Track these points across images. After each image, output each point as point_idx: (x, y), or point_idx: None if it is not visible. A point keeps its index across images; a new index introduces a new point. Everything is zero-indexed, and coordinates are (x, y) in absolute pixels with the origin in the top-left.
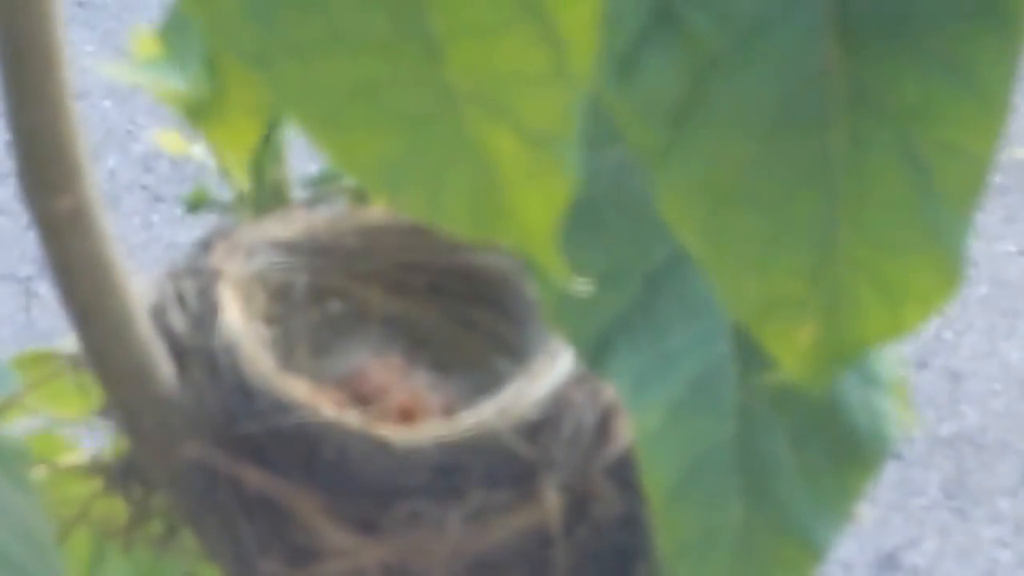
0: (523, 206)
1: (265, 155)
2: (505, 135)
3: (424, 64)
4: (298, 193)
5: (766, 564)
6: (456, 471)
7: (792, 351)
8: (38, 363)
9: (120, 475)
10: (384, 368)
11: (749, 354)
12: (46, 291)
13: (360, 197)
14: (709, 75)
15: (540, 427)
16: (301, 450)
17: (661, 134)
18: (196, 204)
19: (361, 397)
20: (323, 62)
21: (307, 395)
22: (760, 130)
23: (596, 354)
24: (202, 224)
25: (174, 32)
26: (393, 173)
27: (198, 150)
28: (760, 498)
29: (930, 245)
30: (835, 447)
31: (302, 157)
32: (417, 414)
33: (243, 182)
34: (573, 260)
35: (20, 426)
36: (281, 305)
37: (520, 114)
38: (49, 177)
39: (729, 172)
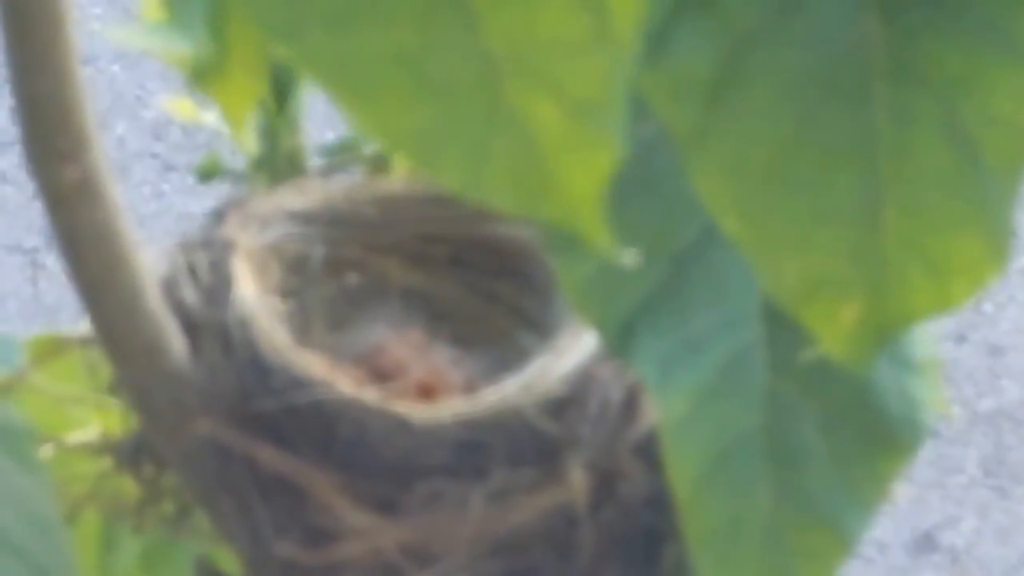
0: (567, 178)
1: (280, 122)
2: (547, 104)
3: (461, 32)
4: (314, 161)
5: (794, 553)
6: (478, 449)
7: (836, 330)
8: (47, 345)
9: (130, 454)
10: (404, 343)
11: (779, 338)
12: (53, 263)
13: (378, 166)
14: (744, 51)
15: (565, 404)
16: (318, 428)
17: (695, 113)
18: (208, 173)
19: (380, 373)
20: (355, 33)
21: (324, 371)
22: (798, 107)
23: (620, 339)
24: (215, 194)
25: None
26: (431, 145)
27: (210, 117)
28: (789, 486)
29: (977, 219)
30: (866, 433)
31: (318, 124)
32: (438, 391)
33: (257, 150)
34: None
35: (27, 403)
36: (297, 278)
37: (562, 82)
38: (55, 146)
39: (767, 151)
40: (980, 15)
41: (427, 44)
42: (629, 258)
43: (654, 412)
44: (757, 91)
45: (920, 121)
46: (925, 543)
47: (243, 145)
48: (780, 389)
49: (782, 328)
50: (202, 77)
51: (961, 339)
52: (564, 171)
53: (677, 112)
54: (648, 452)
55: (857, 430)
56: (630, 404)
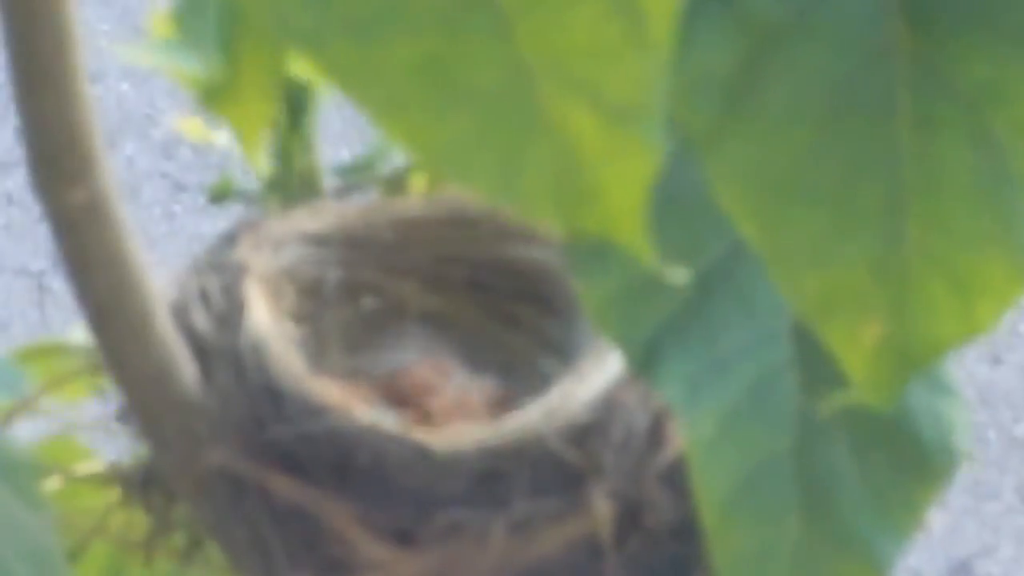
0: (607, 188)
1: (294, 141)
2: (583, 111)
3: (492, 39)
4: (329, 182)
5: None
6: (499, 478)
7: (857, 351)
8: (48, 356)
9: (140, 484)
10: (422, 369)
11: (810, 359)
12: (60, 286)
13: (395, 186)
14: (765, 51)
15: (589, 431)
16: (334, 457)
17: (713, 115)
18: (221, 194)
19: (398, 400)
20: (381, 40)
21: (340, 398)
22: (820, 111)
23: (644, 359)
24: (227, 214)
25: (190, 13)
26: (465, 156)
27: (221, 136)
28: (820, 512)
29: (1003, 234)
30: (899, 458)
31: (333, 143)
32: (458, 418)
33: (270, 170)
34: (621, 259)
35: (33, 431)
36: (311, 302)
37: (598, 88)
38: (62, 167)
39: (786, 157)
40: (1009, 21)
41: (457, 51)
42: (676, 275)
43: (680, 438)
44: (777, 93)
45: (946, 130)
46: (961, 572)
47: (256, 165)
48: (810, 412)
49: (813, 349)
50: (213, 97)
51: (997, 361)
52: (603, 180)
53: (694, 112)
54: (674, 480)
55: (890, 455)
56: (655, 431)
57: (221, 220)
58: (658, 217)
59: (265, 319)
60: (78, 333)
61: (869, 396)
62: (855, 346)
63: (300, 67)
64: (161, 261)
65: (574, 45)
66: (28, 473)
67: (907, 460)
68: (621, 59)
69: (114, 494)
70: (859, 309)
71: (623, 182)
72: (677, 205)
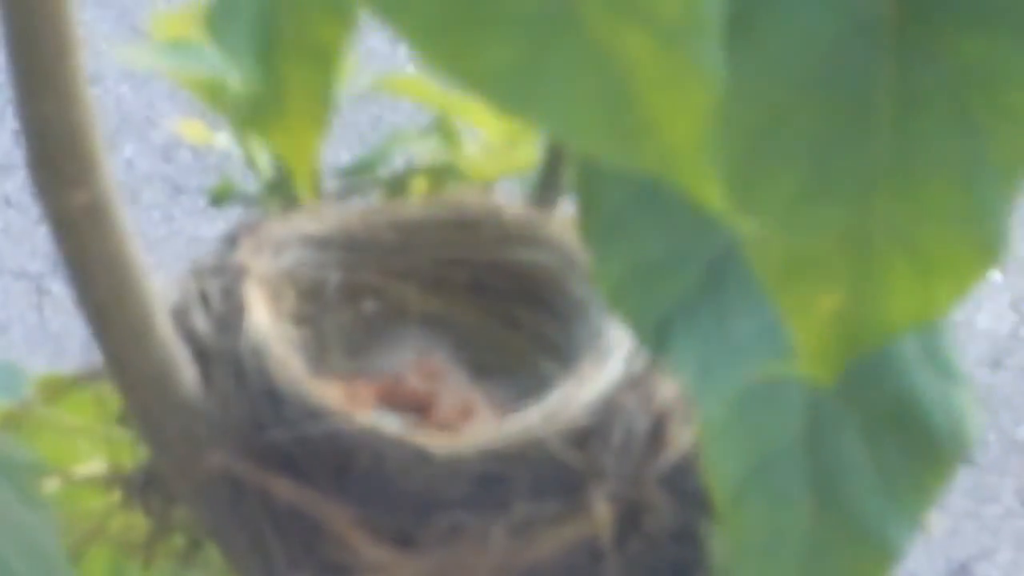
0: (663, 118)
1: None
2: (634, 33)
3: None
4: (330, 184)
5: (837, 567)
6: (500, 481)
7: (811, 321)
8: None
9: (140, 487)
10: (423, 371)
11: None
12: (59, 289)
13: (396, 189)
14: (758, 8)
15: (589, 434)
16: (334, 459)
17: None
18: (221, 196)
19: (398, 402)
20: None
21: (340, 401)
22: (803, 73)
23: (656, 338)
24: (227, 217)
25: (223, 16)
26: (512, 85)
27: (221, 138)
28: (831, 498)
29: (972, 214)
30: (910, 444)
31: (334, 146)
32: (458, 420)
33: (271, 172)
34: (632, 241)
35: (34, 434)
36: (312, 305)
37: (649, 8)
38: (62, 170)
39: (764, 115)
40: (1001, 3)
41: None
42: (750, 226)
43: (681, 441)
44: (764, 51)
45: (927, 107)
46: (960, 575)
47: (256, 167)
48: (821, 399)
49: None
50: (258, 118)
51: (997, 365)
52: (660, 111)
53: None
54: (675, 483)
55: (901, 441)
56: (656, 434)
57: (221, 223)
58: (668, 205)
59: (265, 321)
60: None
61: (813, 367)
62: (810, 315)
63: None
64: (161, 263)
65: None
66: (29, 474)
67: (917, 446)
68: None
69: (114, 496)
70: (820, 278)
71: (680, 112)
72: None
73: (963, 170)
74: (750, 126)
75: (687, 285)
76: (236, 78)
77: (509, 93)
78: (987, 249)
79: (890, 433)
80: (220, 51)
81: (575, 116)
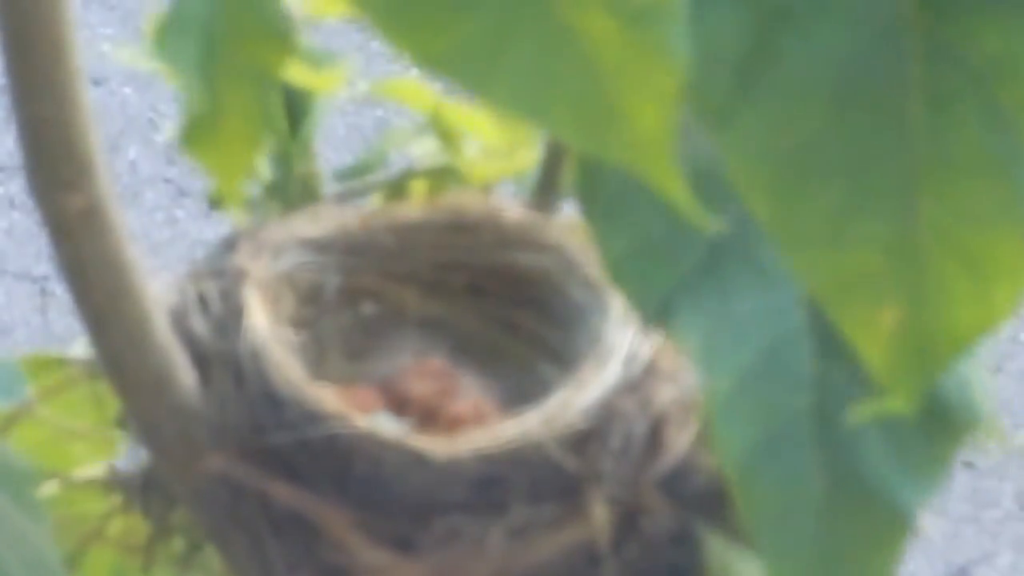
0: (630, 103)
1: (294, 147)
2: (600, 14)
3: None
4: (329, 188)
5: (852, 537)
6: (498, 485)
7: (874, 338)
8: (49, 368)
9: (139, 490)
10: (422, 374)
11: (823, 325)
12: (62, 291)
13: (395, 192)
14: (776, 28)
15: (587, 438)
16: (332, 463)
17: (726, 93)
18: (221, 200)
19: (397, 406)
20: None
21: (339, 404)
22: (832, 88)
23: (659, 315)
24: (230, 220)
25: (173, 33)
26: (476, 66)
27: None
28: (842, 468)
29: (1016, 210)
30: (921, 415)
31: (334, 149)
32: (457, 424)
33: (270, 175)
34: (635, 218)
35: (32, 437)
36: (311, 308)
37: None
38: (59, 173)
39: (799, 134)
40: None
41: None
42: (711, 223)
43: (679, 445)
44: (789, 70)
45: (957, 106)
46: None
47: (256, 171)
48: (828, 374)
49: (825, 319)
50: (193, 135)
51: (996, 369)
52: (626, 96)
53: (707, 89)
54: (672, 487)
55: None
56: (654, 438)
57: (223, 225)
58: None
59: (264, 325)
60: (79, 347)
61: (891, 390)
62: (872, 334)
63: (301, 73)
64: (164, 265)
65: None
66: (27, 481)
67: (929, 415)
68: None
69: (113, 500)
70: (874, 293)
71: (646, 99)
72: (691, 168)
73: (1001, 166)
74: (785, 149)
75: (690, 264)
76: (180, 93)
77: (473, 73)
78: None
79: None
80: (166, 69)
81: (540, 98)
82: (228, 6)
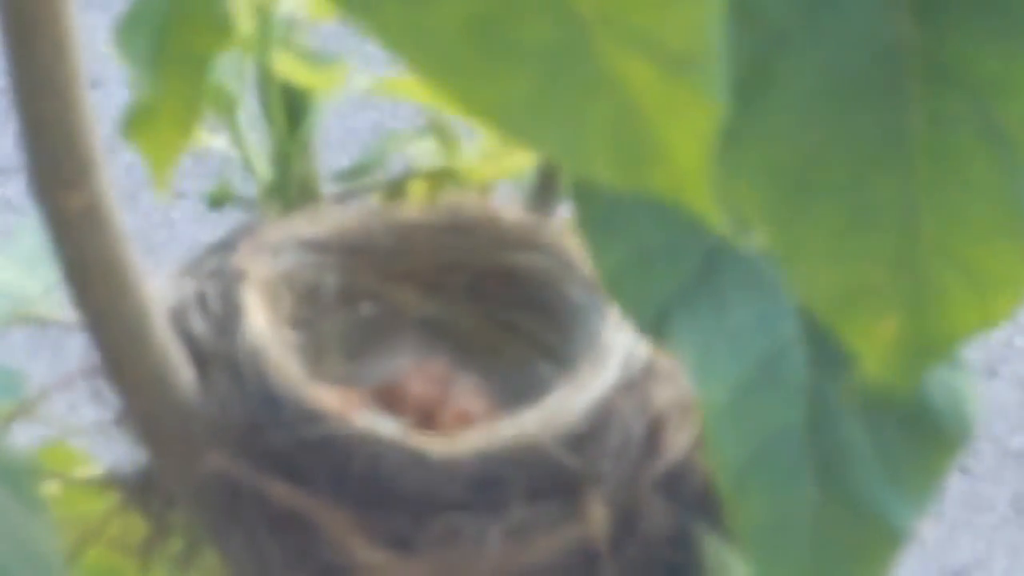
0: (670, 146)
1: (293, 147)
2: (641, 63)
3: None
4: (328, 188)
5: (844, 550)
6: (496, 484)
7: (875, 346)
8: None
9: (138, 489)
10: (420, 375)
11: (817, 336)
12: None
13: (394, 192)
14: (774, 52)
15: (586, 438)
16: (331, 462)
17: (726, 117)
18: (220, 200)
19: (395, 406)
20: (432, 1)
21: (337, 404)
22: (831, 109)
23: (655, 326)
24: (225, 222)
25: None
26: (524, 116)
27: (220, 141)
28: (834, 482)
29: (1015, 226)
30: (913, 428)
31: (335, 150)
32: (455, 424)
33: (269, 176)
34: (630, 229)
35: (31, 435)
36: (310, 308)
37: (655, 37)
38: (60, 172)
39: (799, 155)
40: (1017, 14)
41: (510, 8)
42: (745, 238)
43: (677, 446)
44: (789, 93)
45: (956, 124)
46: None
47: (255, 171)
48: (821, 386)
49: (819, 327)
50: (132, 121)
51: (992, 374)
52: (666, 137)
53: None
54: (671, 487)
55: (903, 425)
56: (652, 438)
57: (219, 228)
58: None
59: (263, 325)
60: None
61: (888, 393)
62: (873, 342)
63: (300, 73)
64: (160, 268)
65: None
66: (28, 477)
67: (920, 430)
68: (678, 8)
69: (112, 499)
70: (876, 305)
71: (686, 138)
72: None
73: (1000, 182)
74: (786, 167)
75: (685, 274)
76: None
77: (522, 124)
78: None
79: (892, 418)
80: (122, 60)
81: (586, 145)
82: None
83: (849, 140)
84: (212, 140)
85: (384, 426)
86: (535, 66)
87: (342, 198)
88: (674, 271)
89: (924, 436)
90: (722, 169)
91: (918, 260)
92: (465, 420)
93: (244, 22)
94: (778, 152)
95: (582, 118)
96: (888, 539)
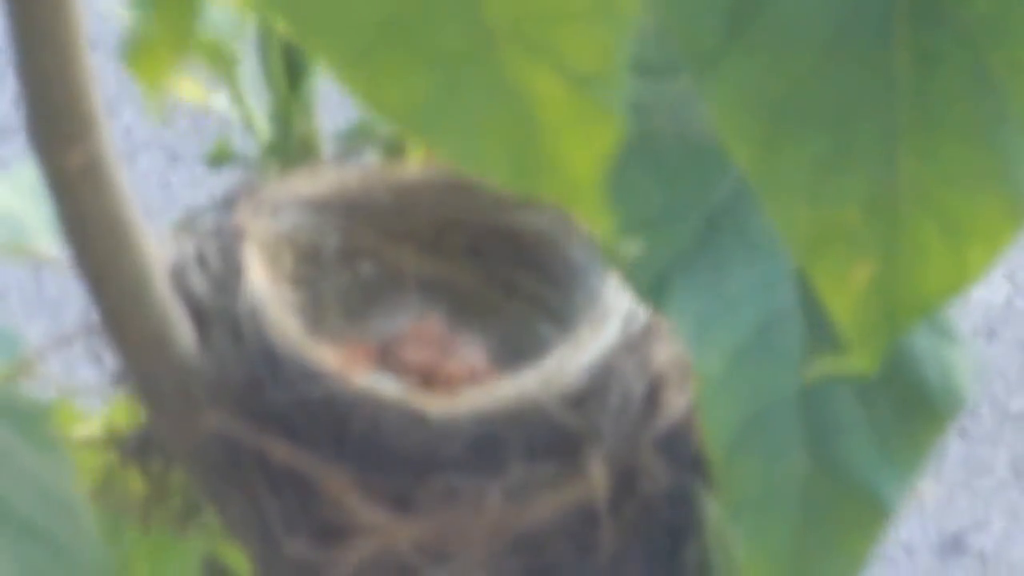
0: (566, 156)
1: (293, 106)
2: (546, 76)
3: (460, 1)
4: (328, 147)
5: (832, 522)
6: (496, 443)
7: (845, 293)
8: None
9: (137, 448)
10: (420, 334)
11: (813, 304)
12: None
13: (394, 152)
14: None
15: (585, 397)
16: (330, 421)
17: (715, 38)
18: (219, 158)
19: (395, 365)
20: None
21: (337, 363)
22: (820, 40)
23: (654, 292)
24: (223, 186)
25: None
26: (426, 116)
27: (219, 100)
28: (826, 454)
29: (996, 173)
30: (904, 401)
31: (333, 109)
32: (455, 383)
33: (269, 135)
34: (630, 195)
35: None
36: (310, 267)
37: (563, 53)
38: (61, 128)
39: (784, 83)
40: None
41: (424, 12)
42: (630, 247)
43: (677, 406)
44: (779, 19)
45: (944, 65)
46: (953, 545)
47: (255, 130)
48: (816, 354)
49: (815, 297)
50: (130, 49)
51: (991, 335)
52: (563, 148)
53: (696, 33)
54: (670, 447)
55: (895, 398)
56: (652, 398)
57: (217, 191)
58: (667, 157)
59: (263, 283)
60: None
61: (856, 347)
62: (844, 288)
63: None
64: (157, 232)
65: (540, 11)
66: (40, 417)
67: (911, 403)
68: (587, 25)
69: (111, 458)
70: (849, 248)
71: (583, 150)
72: (685, 146)
73: (984, 128)
74: (771, 96)
75: (685, 239)
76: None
77: (423, 122)
78: (1014, 207)
79: (884, 391)
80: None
81: (482, 149)
82: None
83: (835, 72)
84: (211, 99)
85: (384, 386)
86: (440, 70)
87: (342, 157)
88: (674, 236)
89: (915, 409)
90: (705, 91)
91: (895, 204)
92: (465, 379)
93: None
94: (764, 77)
95: (481, 124)
96: (876, 510)
